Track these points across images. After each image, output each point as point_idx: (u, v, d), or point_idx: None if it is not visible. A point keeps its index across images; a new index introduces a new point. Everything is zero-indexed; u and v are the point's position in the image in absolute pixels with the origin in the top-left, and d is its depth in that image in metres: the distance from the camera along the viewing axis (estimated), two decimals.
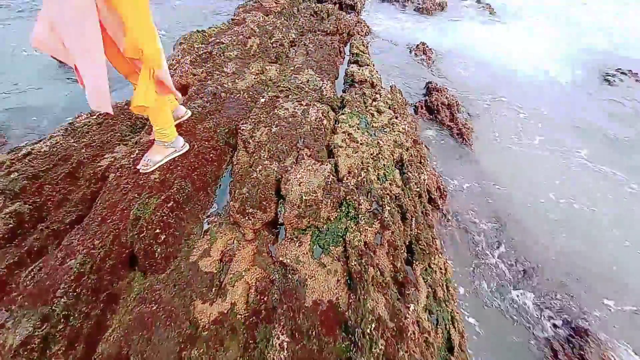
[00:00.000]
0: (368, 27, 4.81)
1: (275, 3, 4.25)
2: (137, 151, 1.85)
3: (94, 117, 2.16)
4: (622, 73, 4.70)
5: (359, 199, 1.53)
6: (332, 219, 1.46)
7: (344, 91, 3.06)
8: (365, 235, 1.37)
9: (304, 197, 1.49)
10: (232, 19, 3.61)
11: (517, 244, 2.28)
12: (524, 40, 5.32)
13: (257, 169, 1.68)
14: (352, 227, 1.41)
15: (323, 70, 3.15)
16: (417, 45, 4.63)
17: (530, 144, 3.36)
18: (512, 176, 2.90)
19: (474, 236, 2.26)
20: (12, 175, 1.59)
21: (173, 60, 2.73)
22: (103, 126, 2.08)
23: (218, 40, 2.95)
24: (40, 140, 1.98)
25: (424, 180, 1.98)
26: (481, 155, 3.11)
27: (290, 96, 2.35)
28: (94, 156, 1.85)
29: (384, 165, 1.86)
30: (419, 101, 3.57)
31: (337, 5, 5.41)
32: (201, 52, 2.74)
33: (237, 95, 2.35)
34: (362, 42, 3.86)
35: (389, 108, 2.59)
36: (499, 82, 4.18)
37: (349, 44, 4.18)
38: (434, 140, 3.23)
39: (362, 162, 1.80)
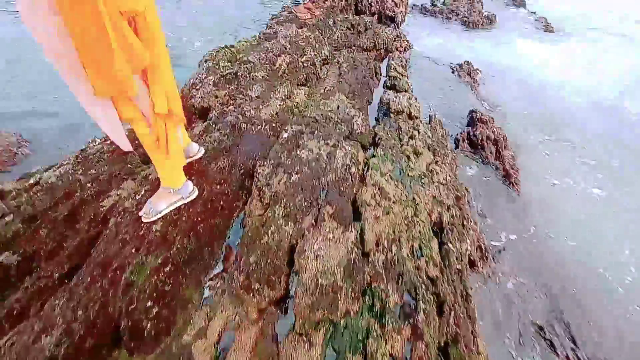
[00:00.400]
0: (408, 42, 4.46)
1: (311, 15, 4.02)
2: (143, 190, 1.68)
3: (108, 142, 2.03)
4: None
5: (387, 288, 1.25)
6: (352, 312, 1.19)
7: (377, 119, 2.77)
8: (391, 346, 1.09)
9: (319, 280, 1.24)
10: (264, 33, 3.41)
11: (576, 329, 1.89)
12: (587, 63, 4.73)
13: (270, 231, 1.45)
14: (375, 330, 1.14)
15: (356, 94, 2.87)
16: (462, 64, 4.22)
17: (592, 194, 2.90)
18: (569, 232, 2.47)
19: (520, 316, 1.90)
20: (7, 219, 1.46)
21: (196, 79, 2.57)
22: (114, 155, 1.93)
23: (246, 59, 2.75)
24: (52, 167, 1.88)
25: (466, 250, 1.66)
26: (531, 202, 2.70)
27: (316, 131, 2.10)
28: (99, 193, 1.70)
29: (420, 233, 1.56)
30: (462, 132, 3.19)
31: (376, 16, 5.09)
32: (226, 72, 2.56)
33: (259, 127, 2.13)
34: (401, 62, 3.53)
35: (428, 149, 2.28)
36: (555, 113, 3.69)
37: (386, 60, 3.87)
38: (475, 179, 2.86)
39: (394, 230, 1.52)
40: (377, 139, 2.27)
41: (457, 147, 3.08)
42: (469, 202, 2.48)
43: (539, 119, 3.60)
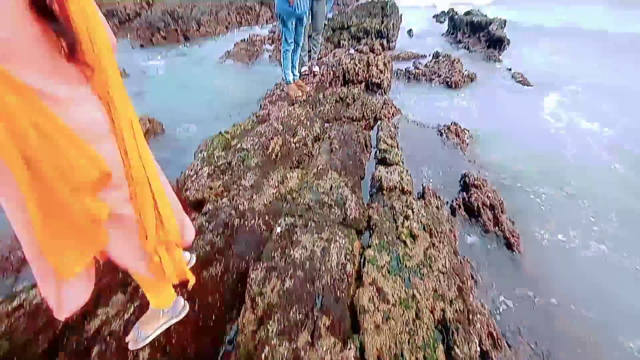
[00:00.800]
0: (395, 107, 4.69)
1: (302, 92, 4.28)
2: (132, 307, 1.62)
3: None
4: None
5: None
6: None
7: (371, 196, 2.79)
8: None
9: None
10: (257, 115, 3.60)
11: None
12: (569, 116, 4.92)
13: (263, 355, 1.36)
14: None
15: (348, 171, 2.93)
16: (449, 126, 4.38)
17: (597, 251, 2.81)
18: (584, 301, 2.34)
19: None
20: None
21: (191, 170, 2.64)
22: (104, 266, 1.90)
23: (239, 146, 2.87)
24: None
25: (476, 352, 1.54)
26: (537, 268, 2.60)
27: (310, 222, 2.09)
28: (86, 313, 1.63)
29: (424, 340, 1.46)
30: (456, 199, 3.19)
31: (364, 83, 5.43)
32: (220, 162, 2.64)
33: (252, 222, 2.13)
34: (390, 132, 3.67)
35: (424, 229, 2.25)
36: (545, 169, 3.74)
37: (376, 129, 4.02)
38: (476, 248, 2.80)
39: (395, 342, 1.43)
40: (372, 222, 2.26)
41: (453, 215, 3.06)
42: (472, 278, 2.39)
43: (532, 174, 3.63)
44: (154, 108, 4.78)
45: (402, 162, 3.16)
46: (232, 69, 6.23)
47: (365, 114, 4.19)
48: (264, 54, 7.09)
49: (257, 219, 2.16)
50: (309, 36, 4.54)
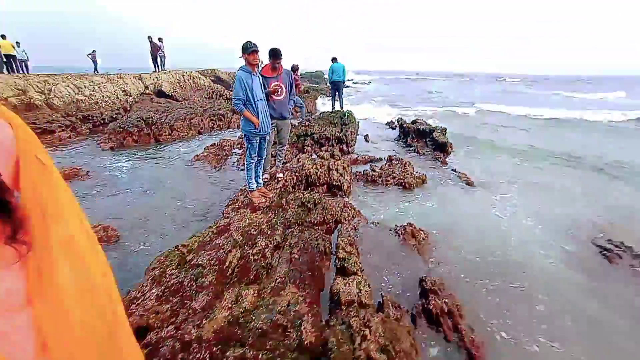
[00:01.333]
0: (354, 209, 4.98)
1: (265, 198, 4.49)
2: None
3: None
4: (616, 246, 4.56)
5: None
6: None
7: (330, 311, 2.73)
8: None
9: None
10: (217, 225, 3.65)
11: None
12: (511, 212, 5.47)
13: None
14: None
15: (307, 283, 2.91)
16: (405, 227, 4.65)
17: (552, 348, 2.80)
18: None
19: None
20: None
21: (138, 292, 2.50)
22: None
23: (195, 262, 2.81)
24: None
25: None
26: None
27: (260, 355, 1.96)
28: None
29: None
30: (416, 305, 3.20)
31: (326, 186, 5.83)
32: (172, 282, 2.54)
33: (198, 356, 1.96)
34: (349, 237, 3.81)
35: (382, 351, 2.18)
36: (496, 264, 3.95)
37: (336, 233, 4.17)
38: None
39: None
40: (327, 347, 2.15)
41: (414, 323, 3.02)
42: None
43: (486, 271, 3.79)
44: (111, 212, 4.69)
45: (361, 271, 3.21)
46: (200, 172, 6.50)
47: (326, 218, 4.40)
48: (232, 158, 7.57)
49: (204, 351, 1.99)
50: (274, 144, 5.01)
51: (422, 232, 4.66)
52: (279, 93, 4.46)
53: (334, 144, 8.03)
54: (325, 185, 5.85)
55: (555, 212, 5.49)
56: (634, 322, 3.18)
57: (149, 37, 15.63)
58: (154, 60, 16.42)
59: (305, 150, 7.91)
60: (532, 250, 4.38)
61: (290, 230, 3.93)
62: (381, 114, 15.44)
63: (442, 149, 8.88)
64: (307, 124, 8.91)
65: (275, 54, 4.23)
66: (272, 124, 4.46)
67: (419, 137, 9.76)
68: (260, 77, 4.00)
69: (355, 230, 4.44)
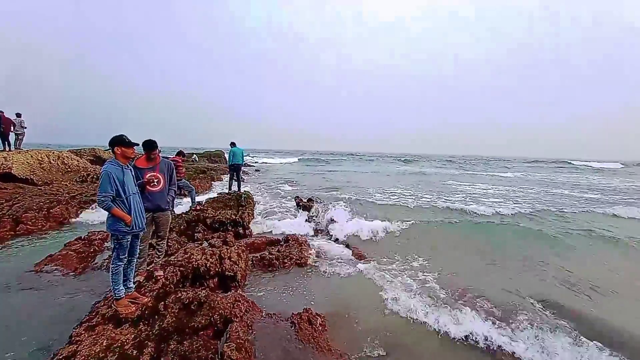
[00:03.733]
0: (248, 302, 4.62)
1: (136, 306, 3.76)
2: None
3: None
4: None
5: None
6: None
7: None
8: None
9: None
10: (61, 357, 2.79)
11: None
12: (405, 299, 5.97)
13: None
14: None
15: None
16: (301, 314, 4.49)
17: None
18: None
19: None
20: None
21: None
22: None
23: None
24: None
25: None
26: None
27: None
28: None
29: None
30: None
31: (217, 278, 5.33)
32: None
33: None
34: (238, 341, 3.42)
35: None
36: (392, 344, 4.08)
37: (225, 336, 3.69)
38: None
39: None
40: None
41: None
42: None
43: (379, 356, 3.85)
44: None
45: None
46: (49, 281, 5.13)
47: (213, 319, 3.91)
48: (104, 254, 6.35)
49: None
50: (151, 245, 4.46)
51: (318, 317, 4.57)
52: (156, 184, 4.18)
53: (229, 228, 7.70)
54: (217, 278, 5.37)
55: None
56: None
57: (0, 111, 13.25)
58: (3, 138, 13.77)
59: (196, 238, 7.29)
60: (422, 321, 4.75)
61: (165, 344, 3.31)
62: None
63: (334, 222, 9.53)
64: (198, 207, 8.43)
65: (150, 146, 4.08)
66: (147, 217, 4.04)
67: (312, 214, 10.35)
68: (132, 169, 3.72)
69: (249, 328, 4.05)
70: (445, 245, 8.30)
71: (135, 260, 3.91)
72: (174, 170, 4.54)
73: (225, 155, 28.61)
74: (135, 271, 4.04)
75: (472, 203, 13.91)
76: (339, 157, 78.67)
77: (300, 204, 11.26)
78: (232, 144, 11.36)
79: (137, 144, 3.64)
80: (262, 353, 3.57)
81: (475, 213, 11.51)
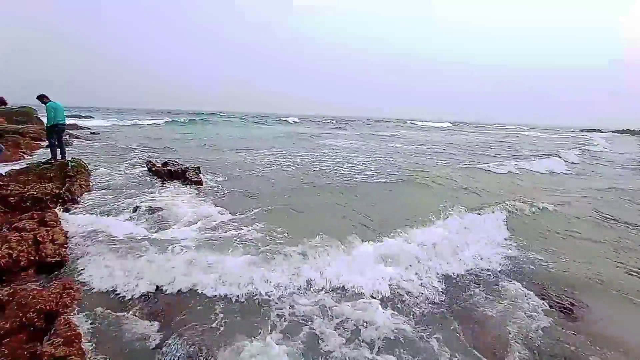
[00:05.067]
0: (79, 289, 4.05)
1: None
2: None
3: None
4: None
5: None
6: None
7: None
8: None
9: None
10: None
11: None
12: None
13: None
14: None
15: None
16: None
17: None
18: None
19: None
20: None
21: None
22: None
23: None
24: None
25: None
26: None
27: None
28: None
29: None
30: None
31: (35, 269, 4.39)
32: None
33: None
34: (67, 335, 3.03)
35: None
36: None
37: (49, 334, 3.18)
38: None
39: None
40: None
41: None
42: None
43: None
44: None
45: None
46: None
47: (26, 318, 3.28)
48: None
49: None
50: None
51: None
52: None
53: (49, 205, 6.21)
54: (34, 268, 4.41)
55: None
56: None
57: None
58: None
59: None
60: None
61: None
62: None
63: (194, 184, 9.13)
64: None
65: None
66: None
67: (171, 178, 9.56)
68: None
69: (87, 317, 3.62)
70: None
71: None
72: None
73: (39, 114, 21.36)
74: None
75: None
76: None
77: (154, 168, 10.08)
78: (45, 98, 8.55)
79: None
80: (101, 344, 3.28)
81: None
